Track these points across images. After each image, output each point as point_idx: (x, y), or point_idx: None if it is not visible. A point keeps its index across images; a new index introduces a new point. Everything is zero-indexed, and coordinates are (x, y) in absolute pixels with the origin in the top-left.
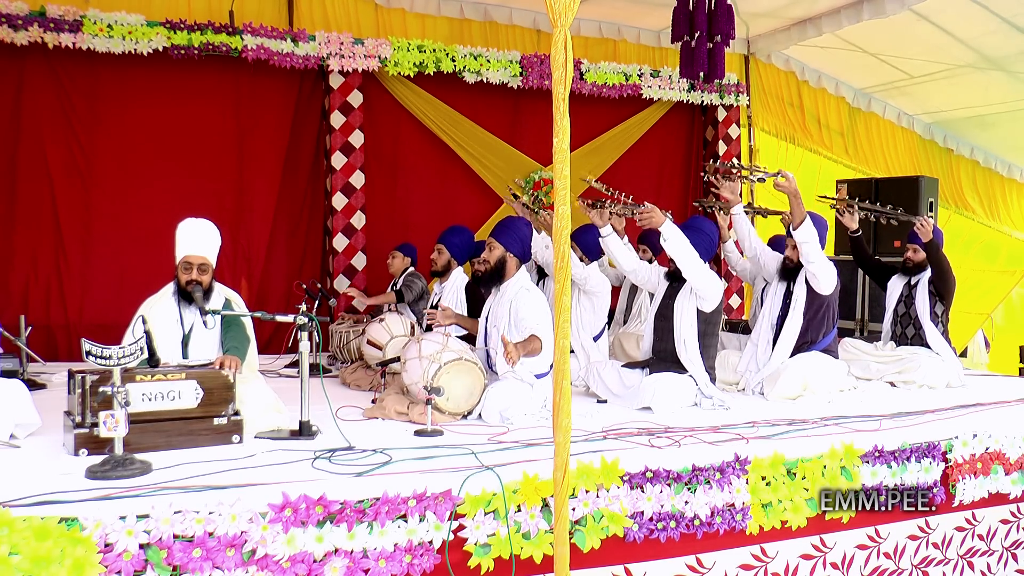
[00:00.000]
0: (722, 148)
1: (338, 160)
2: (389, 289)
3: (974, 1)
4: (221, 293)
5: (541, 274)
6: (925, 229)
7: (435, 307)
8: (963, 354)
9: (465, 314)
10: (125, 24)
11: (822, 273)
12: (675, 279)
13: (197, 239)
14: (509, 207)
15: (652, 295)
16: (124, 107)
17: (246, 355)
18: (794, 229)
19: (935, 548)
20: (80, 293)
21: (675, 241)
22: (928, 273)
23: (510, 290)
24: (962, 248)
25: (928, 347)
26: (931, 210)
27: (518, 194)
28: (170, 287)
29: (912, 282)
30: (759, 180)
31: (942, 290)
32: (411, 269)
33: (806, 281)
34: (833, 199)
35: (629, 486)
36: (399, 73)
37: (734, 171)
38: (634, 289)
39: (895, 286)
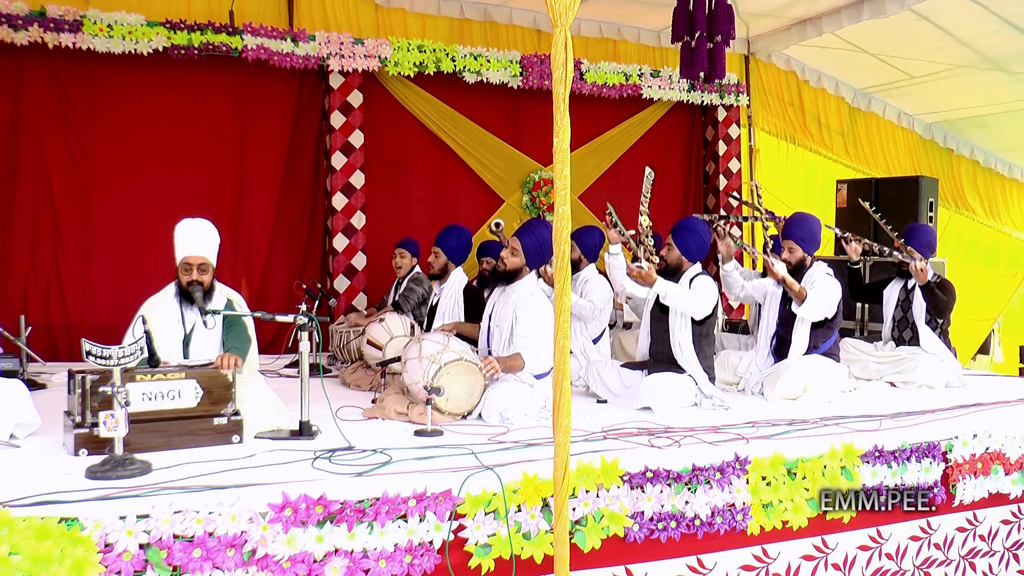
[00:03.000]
0: (722, 148)
1: (338, 160)
2: (392, 290)
3: (974, 1)
4: (223, 293)
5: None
6: (922, 275)
7: (434, 308)
8: (983, 350)
9: (463, 316)
10: (125, 24)
11: (828, 312)
12: (666, 276)
13: (195, 239)
14: (509, 207)
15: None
16: (124, 107)
17: (247, 355)
18: (798, 306)
19: (937, 549)
20: (80, 293)
21: (672, 297)
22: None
23: (517, 292)
24: (964, 252)
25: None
26: (931, 210)
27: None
28: (171, 287)
29: (909, 286)
30: (765, 220)
31: (937, 317)
32: (415, 271)
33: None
34: (840, 233)
35: (629, 486)
36: (399, 73)
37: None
38: None
39: (892, 292)
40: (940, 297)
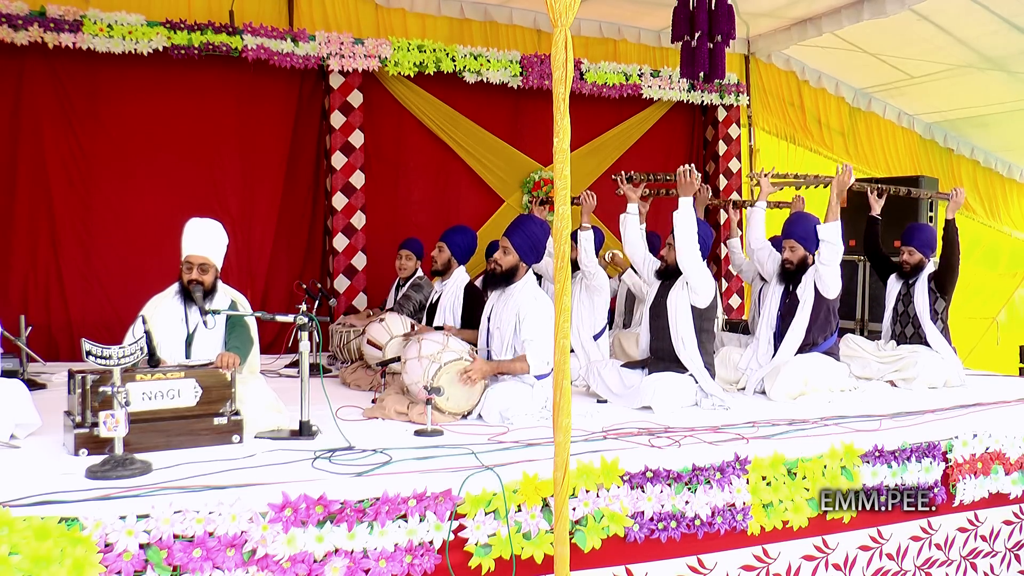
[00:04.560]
0: (722, 148)
1: (338, 160)
2: (392, 291)
3: (974, 1)
4: (227, 295)
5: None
6: (959, 199)
7: (435, 305)
8: None
9: (461, 315)
10: (125, 24)
11: (832, 277)
12: (666, 277)
13: (199, 239)
14: (509, 207)
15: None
16: (124, 107)
17: (247, 356)
18: (823, 222)
19: (938, 549)
20: (80, 293)
21: (685, 216)
22: (927, 271)
23: (518, 294)
24: (964, 252)
25: (928, 345)
26: (931, 210)
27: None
28: (175, 287)
29: (910, 281)
30: (821, 185)
31: (944, 280)
32: (417, 276)
33: (814, 284)
34: (867, 182)
35: (629, 486)
36: (399, 73)
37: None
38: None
39: (894, 285)
40: (957, 243)
